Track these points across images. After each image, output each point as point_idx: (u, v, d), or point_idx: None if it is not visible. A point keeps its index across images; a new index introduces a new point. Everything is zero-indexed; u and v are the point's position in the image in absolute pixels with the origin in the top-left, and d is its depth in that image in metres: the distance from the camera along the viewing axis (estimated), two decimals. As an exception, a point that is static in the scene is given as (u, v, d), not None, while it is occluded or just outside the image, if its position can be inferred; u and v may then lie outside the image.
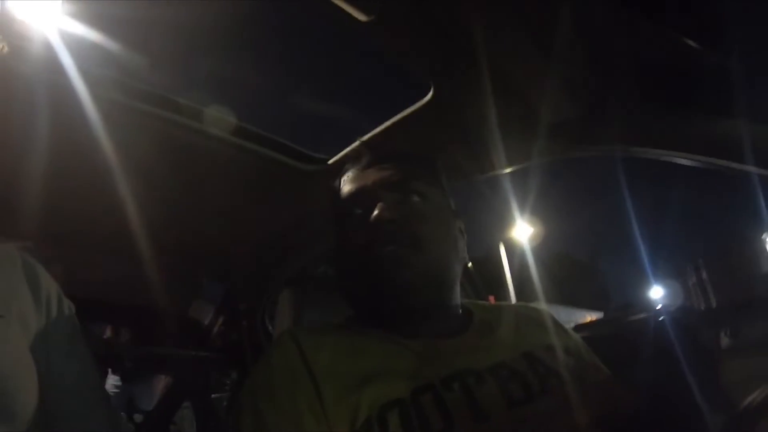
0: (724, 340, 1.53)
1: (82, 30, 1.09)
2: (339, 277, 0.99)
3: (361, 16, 0.97)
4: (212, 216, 1.69)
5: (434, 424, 0.75)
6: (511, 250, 16.75)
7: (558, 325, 1.05)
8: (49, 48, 1.05)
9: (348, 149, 1.39)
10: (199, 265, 2.01)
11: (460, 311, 0.99)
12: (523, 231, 17.11)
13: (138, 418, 2.31)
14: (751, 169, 1.06)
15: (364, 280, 0.91)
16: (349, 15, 0.97)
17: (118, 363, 1.97)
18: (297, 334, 0.88)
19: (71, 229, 1.47)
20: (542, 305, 1.11)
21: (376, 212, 0.89)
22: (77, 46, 1.08)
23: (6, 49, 0.96)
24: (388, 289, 0.88)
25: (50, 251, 1.17)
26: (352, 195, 0.96)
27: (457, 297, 0.98)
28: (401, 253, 0.87)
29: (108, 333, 2.42)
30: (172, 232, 1.62)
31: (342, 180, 1.01)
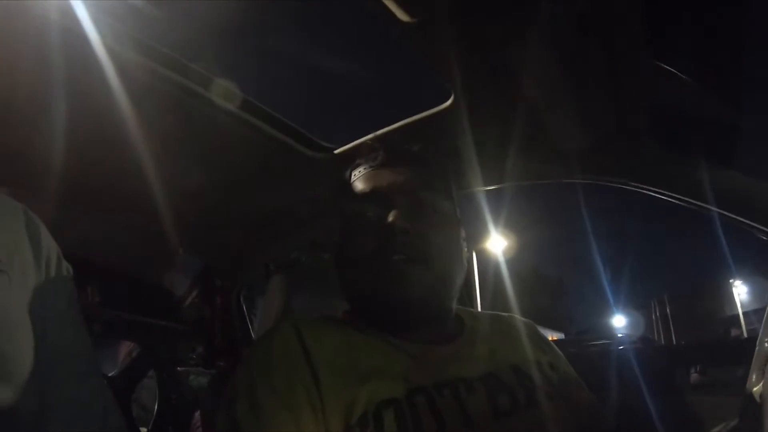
0: (693, 377, 1.57)
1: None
2: (340, 275, 0.97)
3: (403, 17, 0.96)
4: (204, 189, 1.66)
5: (427, 426, 0.75)
6: (483, 260, 16.90)
7: (545, 341, 1.07)
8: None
9: (358, 141, 1.37)
10: (179, 236, 1.97)
11: (453, 317, 0.99)
12: (497, 243, 17.28)
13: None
14: (740, 220, 1.10)
15: (369, 286, 0.89)
16: (390, 13, 0.95)
17: (86, 324, 1.93)
18: (298, 324, 0.87)
19: (56, 182, 1.43)
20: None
21: (389, 219, 0.87)
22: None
23: None
24: (393, 300, 0.87)
25: (32, 202, 1.14)
26: (365, 195, 0.94)
27: (456, 304, 0.98)
28: (411, 266, 0.86)
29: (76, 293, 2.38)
30: (159, 198, 1.58)
31: (353, 174, 0.99)
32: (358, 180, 0.97)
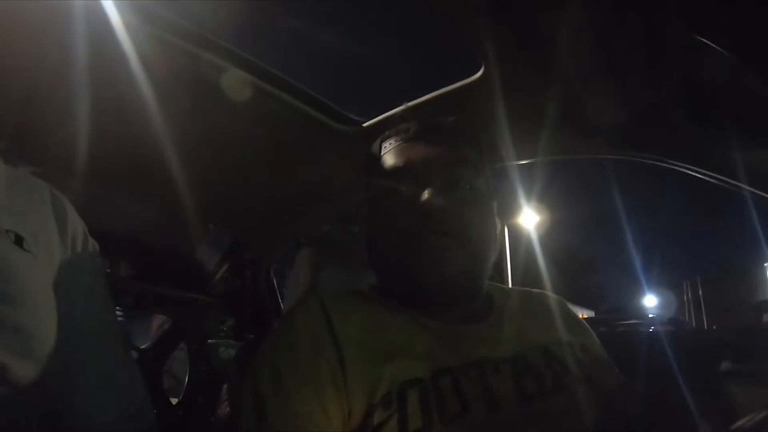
0: (725, 364, 1.52)
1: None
2: (372, 251, 0.95)
3: None
4: (232, 163, 1.67)
5: (451, 408, 0.74)
6: (515, 235, 16.81)
7: (576, 320, 1.04)
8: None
9: (387, 114, 1.35)
10: (209, 211, 1.98)
11: (484, 295, 0.97)
12: (528, 218, 17.13)
13: (133, 354, 2.32)
14: None
15: (403, 263, 0.87)
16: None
17: (118, 297, 1.96)
18: (324, 300, 0.86)
19: (85, 159, 1.44)
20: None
21: (425, 196, 0.84)
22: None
23: None
24: (428, 278, 0.85)
25: (61, 180, 1.15)
26: (398, 170, 0.90)
27: (486, 282, 0.97)
28: (447, 243, 0.84)
29: (107, 266, 2.42)
30: (188, 173, 1.59)
31: (383, 147, 0.96)
32: (389, 153, 0.94)
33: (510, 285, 1.12)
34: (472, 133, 0.98)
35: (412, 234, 0.85)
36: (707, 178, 1.18)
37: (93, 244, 0.96)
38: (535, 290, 1.08)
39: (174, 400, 2.19)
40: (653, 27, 0.97)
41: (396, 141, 0.95)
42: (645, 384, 1.18)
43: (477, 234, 0.88)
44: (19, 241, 0.80)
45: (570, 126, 1.28)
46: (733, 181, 1.12)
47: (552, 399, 0.81)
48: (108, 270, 2.37)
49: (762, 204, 1.10)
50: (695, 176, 1.20)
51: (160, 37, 1.14)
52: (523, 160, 1.45)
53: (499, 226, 0.98)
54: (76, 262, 0.90)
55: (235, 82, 1.27)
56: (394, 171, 0.91)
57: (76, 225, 0.92)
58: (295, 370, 0.77)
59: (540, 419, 0.78)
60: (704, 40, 0.95)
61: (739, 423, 0.68)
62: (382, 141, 0.97)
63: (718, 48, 0.95)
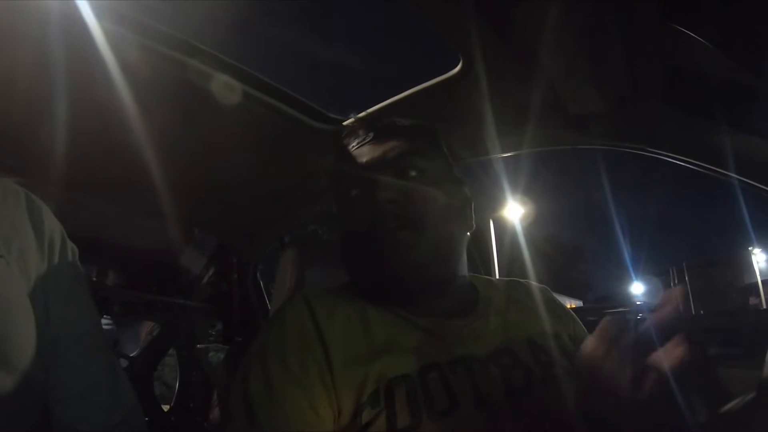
0: (712, 347, 1.54)
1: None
2: (342, 253, 0.96)
3: None
4: (214, 166, 1.66)
5: (439, 403, 0.75)
6: (500, 228, 16.88)
7: (562, 308, 1.05)
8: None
9: (365, 112, 1.36)
10: (194, 215, 1.98)
11: (466, 285, 0.98)
12: (514, 210, 17.22)
13: (122, 363, 2.31)
14: (758, 186, 1.08)
15: (367, 260, 0.88)
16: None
17: (105, 306, 1.95)
18: (310, 297, 0.87)
19: (66, 167, 1.43)
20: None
21: (376, 191, 0.87)
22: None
23: None
24: (391, 271, 0.86)
25: (43, 188, 1.14)
26: (351, 173, 0.93)
27: (464, 268, 0.97)
28: (403, 234, 0.85)
29: (94, 275, 2.40)
30: (171, 178, 1.58)
31: (342, 154, 0.98)
32: (345, 159, 0.96)
33: (497, 277, 1.12)
34: (428, 125, 1.00)
35: (368, 229, 0.87)
36: (690, 166, 1.18)
37: (72, 248, 0.94)
38: (520, 280, 1.09)
39: (166, 407, 2.18)
40: (629, 16, 0.97)
41: (351, 148, 0.97)
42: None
43: (435, 221, 0.88)
44: None
45: (551, 117, 1.28)
46: (716, 168, 1.13)
47: (540, 391, 0.82)
48: (94, 279, 2.36)
49: (746, 189, 1.10)
50: (679, 164, 1.21)
51: (140, 42, 1.13)
52: (505, 152, 1.45)
53: (468, 205, 0.98)
54: (53, 267, 0.89)
55: (216, 85, 1.26)
56: (348, 174, 0.93)
57: (54, 229, 0.91)
58: (283, 371, 0.77)
59: (528, 412, 0.79)
60: (680, 28, 0.96)
61: (729, 405, 0.68)
62: (342, 148, 0.99)
63: (695, 35, 0.96)
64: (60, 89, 1.18)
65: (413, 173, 0.90)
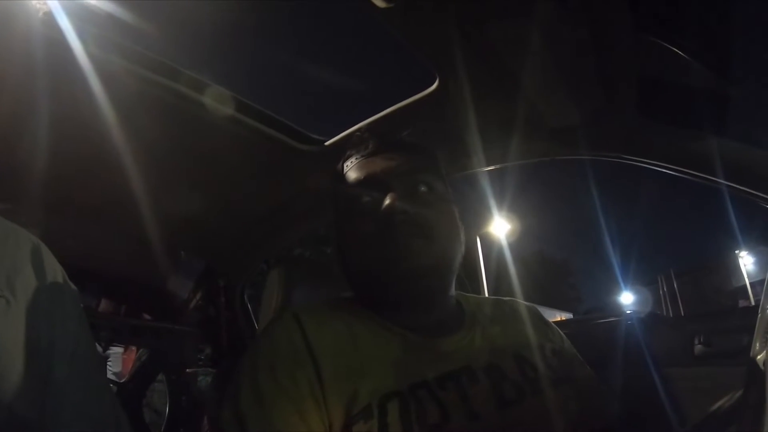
0: (698, 348, 1.55)
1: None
2: (342, 261, 0.98)
3: (379, 2, 0.97)
4: (199, 189, 1.67)
5: (431, 417, 0.76)
6: (487, 245, 16.91)
7: (546, 323, 1.08)
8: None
9: (347, 132, 1.37)
10: (180, 238, 1.97)
11: (454, 303, 1.01)
12: (500, 227, 17.26)
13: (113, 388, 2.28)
14: (740, 189, 1.09)
15: (374, 266, 0.90)
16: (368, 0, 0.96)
17: (95, 332, 1.93)
18: (299, 313, 0.88)
19: (52, 194, 1.43)
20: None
21: (387, 201, 0.88)
22: (79, 8, 1.04)
23: (46, 8, 0.93)
24: (399, 276, 0.87)
25: (29, 215, 1.14)
26: (361, 182, 0.94)
27: (453, 286, 0.99)
28: (412, 240, 0.87)
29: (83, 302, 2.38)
30: (155, 203, 1.59)
31: (345, 165, 1.00)
32: (352, 170, 0.98)
33: (486, 295, 1.14)
34: (428, 144, 1.03)
35: (379, 235, 0.88)
36: (671, 172, 1.20)
37: (73, 289, 0.95)
38: (505, 298, 1.11)
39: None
40: (603, 30, 1.00)
41: (357, 158, 0.99)
42: (620, 376, 1.20)
43: (441, 233, 0.90)
44: None
45: (529, 130, 1.30)
46: (697, 173, 1.15)
47: (530, 403, 0.84)
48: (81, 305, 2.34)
49: (729, 194, 1.11)
50: (661, 171, 1.23)
51: (125, 67, 1.14)
52: (489, 166, 1.47)
53: (462, 229, 1.00)
54: (58, 308, 0.88)
55: (200, 109, 1.27)
56: (358, 184, 0.94)
57: (55, 270, 0.91)
58: (274, 387, 0.78)
59: (520, 424, 0.81)
60: (649, 37, 0.99)
61: (718, 404, 0.70)
62: (345, 160, 1.01)
63: (666, 44, 0.99)
64: (44, 114, 1.19)
65: (422, 187, 0.93)
